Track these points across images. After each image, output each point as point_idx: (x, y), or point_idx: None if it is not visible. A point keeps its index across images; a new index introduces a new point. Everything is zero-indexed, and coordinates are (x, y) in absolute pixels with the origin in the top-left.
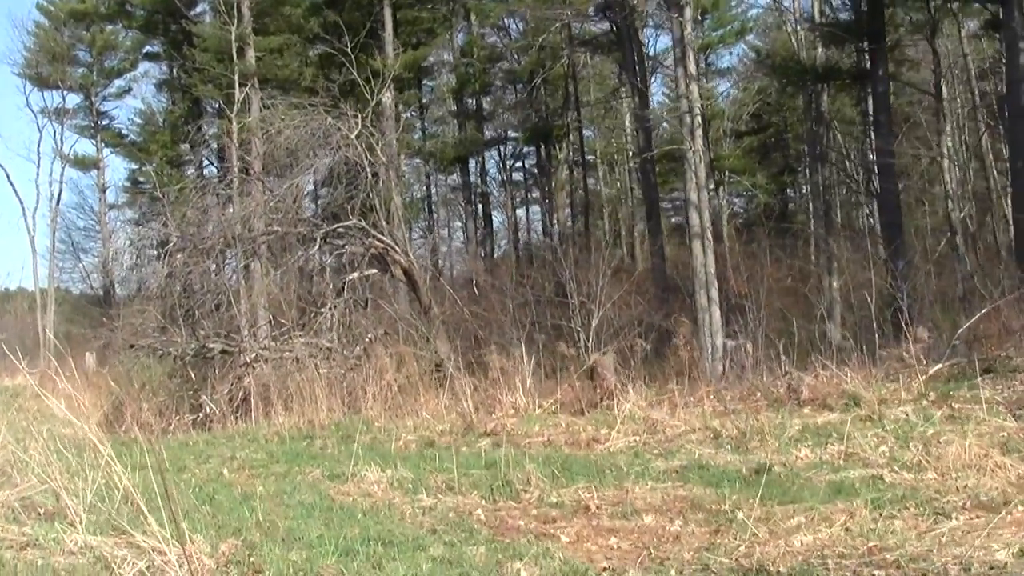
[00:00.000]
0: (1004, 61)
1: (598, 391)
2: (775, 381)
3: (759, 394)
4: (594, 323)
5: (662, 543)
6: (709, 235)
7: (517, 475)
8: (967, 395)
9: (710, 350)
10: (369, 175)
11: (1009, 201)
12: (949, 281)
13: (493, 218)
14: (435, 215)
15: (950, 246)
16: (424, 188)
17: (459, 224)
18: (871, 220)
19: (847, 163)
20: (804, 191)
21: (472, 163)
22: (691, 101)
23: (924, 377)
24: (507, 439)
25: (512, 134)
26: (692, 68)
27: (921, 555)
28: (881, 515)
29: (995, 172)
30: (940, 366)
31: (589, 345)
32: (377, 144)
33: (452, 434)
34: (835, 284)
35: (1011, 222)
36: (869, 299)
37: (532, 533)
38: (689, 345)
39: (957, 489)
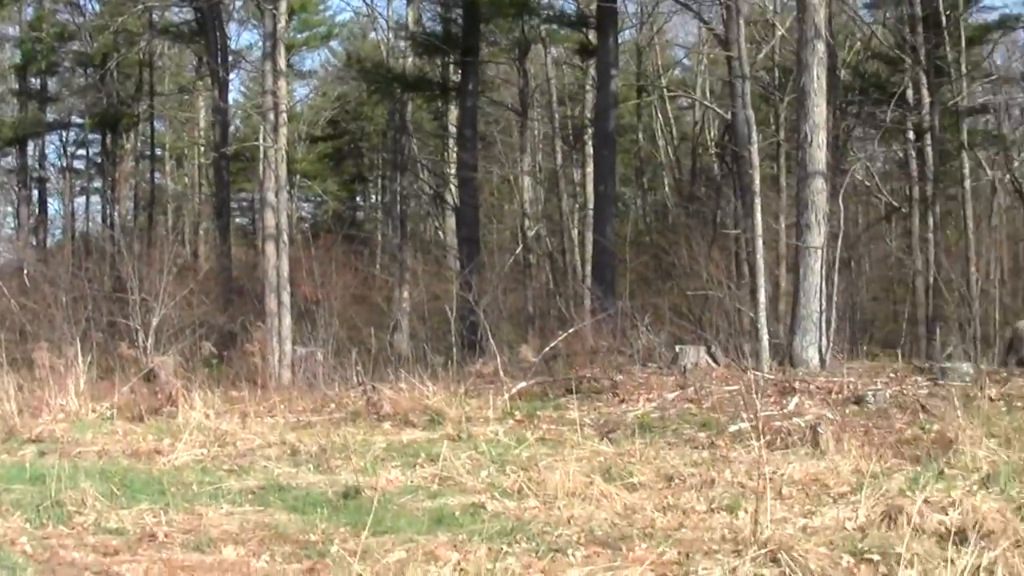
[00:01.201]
0: (595, 87)
1: (159, 396)
2: (349, 392)
3: (334, 405)
4: (155, 322)
5: None
6: (285, 237)
7: (70, 493)
8: (554, 416)
9: (278, 356)
10: None
11: (577, 223)
12: (520, 298)
13: (49, 205)
14: None
15: (521, 264)
16: None
17: (11, 210)
18: (441, 233)
19: (424, 174)
20: (375, 200)
21: (31, 146)
22: (278, 97)
23: (509, 395)
24: (56, 447)
25: (77, 119)
26: (282, 63)
27: None
28: (491, 551)
29: (565, 196)
30: (524, 384)
31: (149, 346)
32: None
33: None
34: (406, 295)
35: (578, 244)
36: (450, 311)
37: (90, 570)
38: (261, 350)
39: (567, 521)
